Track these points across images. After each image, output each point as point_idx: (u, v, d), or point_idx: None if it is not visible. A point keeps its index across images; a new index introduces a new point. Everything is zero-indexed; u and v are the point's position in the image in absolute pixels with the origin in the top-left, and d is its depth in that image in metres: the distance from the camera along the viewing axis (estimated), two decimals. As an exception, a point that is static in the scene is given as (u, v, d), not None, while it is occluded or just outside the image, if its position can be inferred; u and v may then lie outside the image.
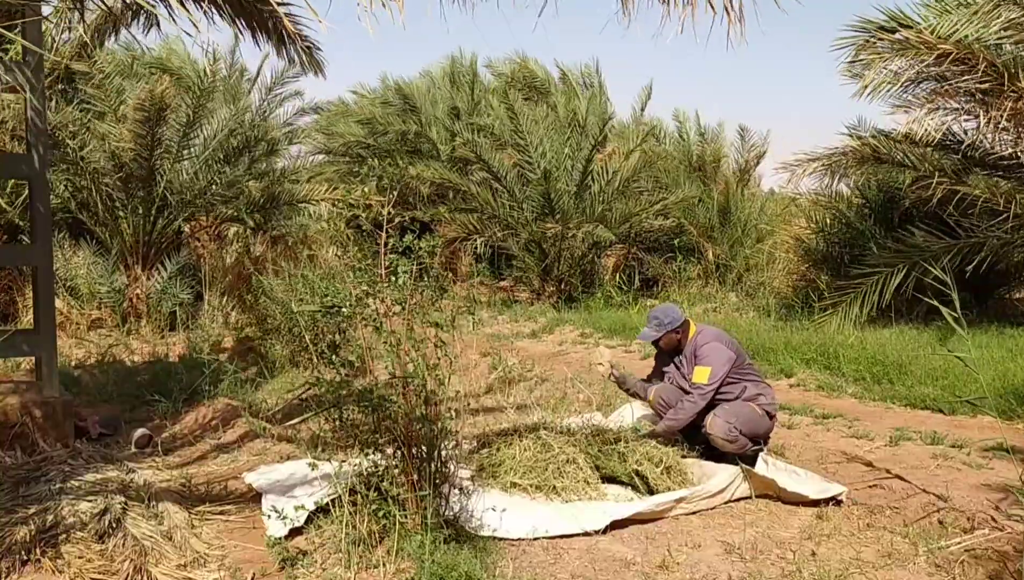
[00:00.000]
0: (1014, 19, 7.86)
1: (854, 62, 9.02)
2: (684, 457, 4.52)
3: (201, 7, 4.76)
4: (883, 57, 8.50)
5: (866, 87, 8.71)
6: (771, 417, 4.68)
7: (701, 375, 4.57)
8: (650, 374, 5.12)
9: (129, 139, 9.39)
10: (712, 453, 4.59)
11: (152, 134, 9.34)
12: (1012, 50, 8.26)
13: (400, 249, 3.52)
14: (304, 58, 6.45)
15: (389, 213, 3.51)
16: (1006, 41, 8.20)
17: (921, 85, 9.15)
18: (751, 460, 4.48)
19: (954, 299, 3.02)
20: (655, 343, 4.87)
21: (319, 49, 6.51)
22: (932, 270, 8.64)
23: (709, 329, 4.85)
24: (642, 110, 16.34)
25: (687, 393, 4.68)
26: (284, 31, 5.88)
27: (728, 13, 3.50)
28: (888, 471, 4.57)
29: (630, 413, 5.19)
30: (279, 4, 5.42)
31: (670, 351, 4.86)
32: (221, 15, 5.51)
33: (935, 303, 3.16)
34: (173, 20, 5.56)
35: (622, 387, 5.04)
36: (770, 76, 55.73)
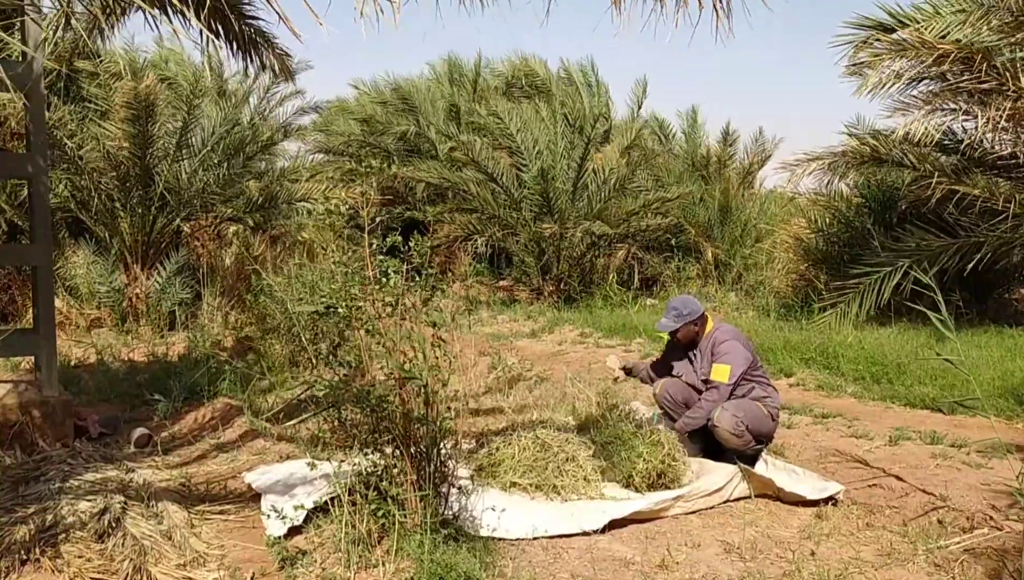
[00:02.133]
0: (1007, 21, 7.87)
1: (854, 64, 9.05)
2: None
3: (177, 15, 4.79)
4: (883, 58, 8.52)
5: (867, 86, 8.73)
6: (774, 419, 4.69)
7: (721, 373, 4.54)
8: (656, 361, 5.12)
9: (121, 138, 9.41)
10: (711, 451, 4.59)
11: (144, 132, 9.36)
12: (1010, 51, 8.27)
13: (384, 249, 3.49)
14: (277, 65, 6.47)
15: (370, 215, 3.48)
16: (1001, 43, 8.21)
17: (920, 85, 9.18)
18: (751, 460, 4.49)
19: (939, 301, 3.01)
20: (672, 334, 4.84)
21: (290, 56, 6.55)
22: (931, 270, 8.69)
23: (727, 326, 4.84)
24: (638, 108, 16.36)
25: (696, 389, 4.68)
26: (261, 39, 5.93)
27: (716, 9, 3.58)
28: (884, 470, 4.57)
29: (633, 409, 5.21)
30: (250, 18, 5.45)
31: (685, 344, 4.83)
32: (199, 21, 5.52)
33: (923, 309, 3.17)
34: (155, 25, 5.57)
35: (632, 375, 5.11)
36: (770, 76, 55.73)
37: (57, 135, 9.12)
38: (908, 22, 8.66)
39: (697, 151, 15.61)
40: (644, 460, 4.12)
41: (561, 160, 12.79)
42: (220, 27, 5.62)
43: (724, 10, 3.60)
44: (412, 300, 3.44)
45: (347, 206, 3.58)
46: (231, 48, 5.94)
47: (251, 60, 6.25)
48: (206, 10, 5.16)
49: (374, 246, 3.47)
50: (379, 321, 3.42)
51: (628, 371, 5.07)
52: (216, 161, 10.46)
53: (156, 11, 4.53)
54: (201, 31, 5.51)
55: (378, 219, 3.50)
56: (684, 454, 4.34)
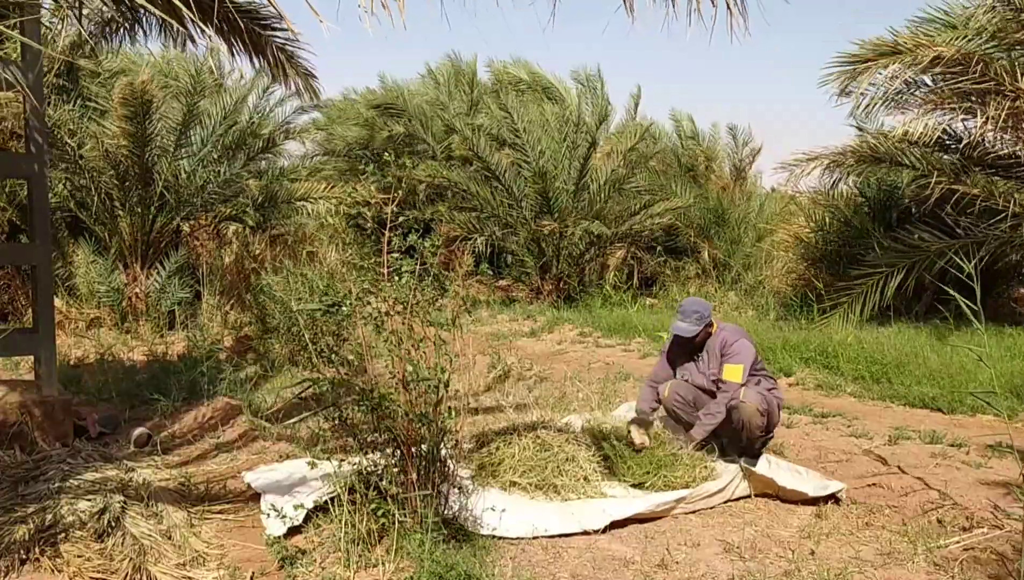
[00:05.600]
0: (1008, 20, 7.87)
1: (843, 92, 9.07)
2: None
3: (200, 29, 4.82)
4: (873, 70, 8.52)
5: (859, 106, 8.79)
6: (780, 409, 4.70)
7: (734, 374, 4.51)
8: (656, 369, 5.00)
9: (120, 136, 9.39)
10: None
11: (142, 130, 9.34)
12: (1008, 54, 8.29)
13: (403, 248, 3.52)
14: (301, 84, 6.49)
15: (393, 212, 3.50)
16: (996, 50, 8.22)
17: (919, 89, 9.18)
18: (755, 456, 4.48)
19: (976, 291, 2.99)
20: (692, 338, 4.72)
21: (314, 77, 6.56)
22: (932, 269, 8.63)
23: (731, 326, 4.82)
24: (635, 110, 16.39)
25: (702, 389, 4.66)
26: (283, 60, 5.93)
27: (729, 7, 3.53)
28: (900, 467, 4.57)
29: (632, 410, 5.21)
30: (277, 33, 5.46)
31: (692, 346, 4.78)
32: (222, 39, 5.52)
33: (955, 295, 3.13)
34: (170, 33, 5.58)
35: (649, 423, 4.74)
36: (771, 76, 55.76)
37: (57, 134, 9.10)
38: (897, 49, 8.62)
39: (689, 152, 15.64)
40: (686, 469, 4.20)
41: (563, 160, 12.79)
42: (241, 44, 5.63)
43: (739, 7, 3.53)
44: (419, 298, 3.44)
45: (367, 200, 3.62)
46: (253, 64, 5.96)
47: (275, 77, 6.26)
48: (232, 29, 5.19)
49: (393, 243, 3.48)
50: (388, 319, 3.42)
51: (647, 424, 4.67)
52: (216, 159, 10.45)
53: (178, 26, 4.54)
54: (230, 50, 5.54)
55: (400, 218, 3.51)
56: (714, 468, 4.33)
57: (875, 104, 8.87)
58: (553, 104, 15.61)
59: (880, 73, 8.53)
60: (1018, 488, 3.29)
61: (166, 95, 10.30)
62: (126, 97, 9.09)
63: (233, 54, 5.72)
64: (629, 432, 4.42)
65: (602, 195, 12.66)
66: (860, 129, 10.37)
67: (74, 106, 9.78)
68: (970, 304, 3.00)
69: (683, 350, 4.83)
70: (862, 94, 8.80)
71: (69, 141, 9.30)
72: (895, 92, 8.77)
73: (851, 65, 8.89)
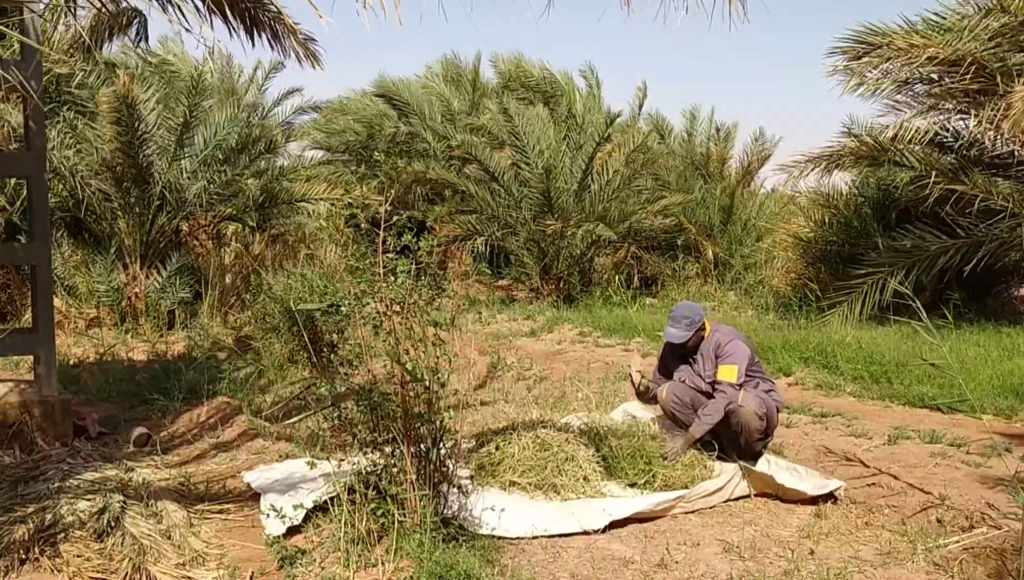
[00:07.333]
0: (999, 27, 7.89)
1: (847, 67, 9.07)
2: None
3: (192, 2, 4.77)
4: (873, 64, 8.54)
5: (851, 86, 8.77)
6: (779, 411, 4.69)
7: (729, 373, 4.50)
8: (657, 374, 5.03)
9: (111, 139, 9.37)
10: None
11: (132, 133, 9.32)
12: (1003, 55, 8.29)
13: (398, 248, 3.52)
14: (301, 52, 6.39)
15: (386, 212, 3.50)
16: (993, 53, 8.24)
17: (915, 87, 9.20)
18: (753, 458, 4.48)
19: (918, 306, 3.03)
20: (683, 344, 4.72)
21: (314, 40, 6.42)
22: (931, 269, 8.65)
23: (725, 327, 4.81)
24: (640, 109, 16.38)
25: (700, 391, 4.65)
26: (280, 25, 5.88)
27: None
28: (880, 470, 4.57)
29: (635, 410, 5.21)
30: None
31: (686, 350, 4.76)
32: (213, 12, 5.49)
33: (918, 308, 3.17)
34: (165, 12, 5.53)
35: (644, 398, 4.93)
36: (767, 76, 55.75)
37: (53, 134, 9.08)
38: (895, 38, 8.64)
39: (697, 151, 15.62)
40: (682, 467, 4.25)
41: (564, 159, 12.78)
42: (238, 16, 5.60)
43: None
44: (415, 299, 3.44)
45: (363, 200, 3.62)
46: (251, 37, 5.89)
47: (273, 48, 6.17)
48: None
49: (388, 244, 3.48)
50: (386, 319, 3.42)
51: (644, 392, 4.85)
52: (220, 159, 10.43)
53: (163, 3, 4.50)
54: (225, 19, 5.50)
55: (395, 218, 3.51)
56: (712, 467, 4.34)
57: (881, 89, 8.85)
58: (553, 103, 15.60)
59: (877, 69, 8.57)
60: (1017, 488, 3.28)
61: (166, 95, 10.29)
62: (111, 102, 9.07)
63: (230, 31, 5.68)
64: (630, 376, 4.78)
65: (604, 195, 12.65)
66: (850, 133, 10.36)
67: (69, 109, 9.76)
68: (924, 320, 3.04)
69: (677, 355, 4.83)
70: (863, 80, 8.81)
71: (66, 140, 9.29)
72: (893, 85, 8.80)
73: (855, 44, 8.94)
